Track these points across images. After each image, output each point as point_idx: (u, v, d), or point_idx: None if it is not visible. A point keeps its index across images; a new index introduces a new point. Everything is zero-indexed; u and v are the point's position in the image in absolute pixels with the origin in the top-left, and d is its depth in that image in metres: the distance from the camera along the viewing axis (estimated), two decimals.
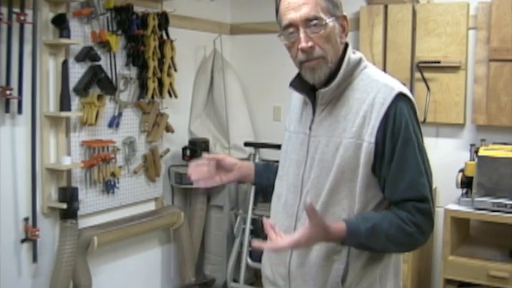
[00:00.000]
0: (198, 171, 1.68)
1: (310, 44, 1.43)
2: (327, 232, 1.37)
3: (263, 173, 1.76)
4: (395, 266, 1.57)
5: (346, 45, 1.52)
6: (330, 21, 1.44)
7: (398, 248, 1.46)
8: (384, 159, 1.42)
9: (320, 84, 1.50)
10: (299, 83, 1.56)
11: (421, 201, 1.42)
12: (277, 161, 1.70)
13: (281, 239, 1.36)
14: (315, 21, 1.42)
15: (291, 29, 1.45)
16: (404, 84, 1.54)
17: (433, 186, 3.36)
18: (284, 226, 1.55)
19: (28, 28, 2.59)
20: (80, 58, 2.86)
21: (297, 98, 1.64)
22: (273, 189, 1.69)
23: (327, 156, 1.47)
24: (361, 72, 1.51)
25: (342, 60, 1.48)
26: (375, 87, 1.46)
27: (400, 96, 1.43)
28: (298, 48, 1.45)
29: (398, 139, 1.41)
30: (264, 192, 1.75)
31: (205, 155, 1.71)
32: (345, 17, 1.50)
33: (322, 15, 1.43)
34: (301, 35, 1.43)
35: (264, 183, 1.75)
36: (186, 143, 3.61)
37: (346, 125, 1.46)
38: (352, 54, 1.51)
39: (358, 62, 1.51)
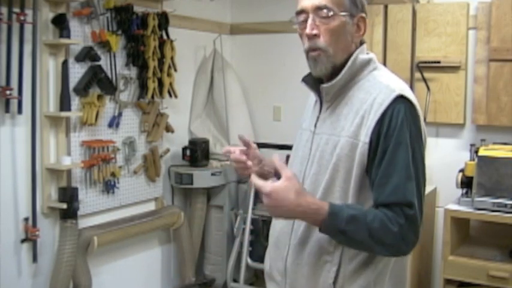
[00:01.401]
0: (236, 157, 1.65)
1: (315, 31, 1.44)
2: (301, 194, 1.34)
3: None
4: (396, 277, 1.52)
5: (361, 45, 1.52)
6: (341, 15, 1.44)
7: (379, 247, 1.37)
8: (375, 161, 1.40)
9: (325, 78, 1.50)
10: (311, 79, 1.56)
11: (406, 206, 1.37)
12: None
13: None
14: (325, 11, 1.43)
15: (302, 16, 1.48)
16: None
17: (432, 187, 3.34)
18: (284, 222, 1.55)
19: (28, 28, 2.59)
20: (80, 58, 2.86)
21: (312, 96, 1.65)
22: None
23: (325, 154, 1.47)
24: (369, 73, 1.50)
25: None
26: (377, 88, 1.45)
27: (400, 98, 1.41)
28: (305, 35, 1.47)
29: (390, 141, 1.38)
30: None
31: (241, 136, 1.69)
32: (363, 18, 1.49)
33: (333, 6, 1.43)
34: (309, 21, 1.45)
35: None
36: (186, 143, 3.61)
37: (345, 124, 1.45)
38: (362, 55, 1.50)
39: (367, 62, 1.50)
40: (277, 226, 1.60)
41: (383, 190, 1.38)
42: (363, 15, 1.50)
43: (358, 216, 1.35)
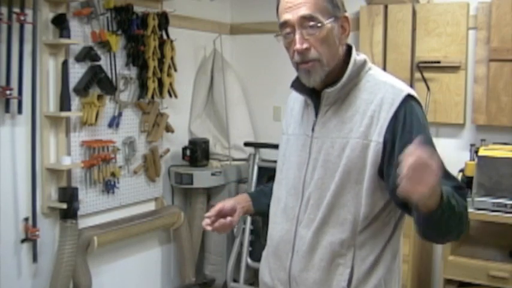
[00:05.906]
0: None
1: (305, 45, 1.40)
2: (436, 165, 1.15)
3: (259, 199, 1.72)
4: (398, 272, 1.53)
5: (349, 46, 1.50)
6: (327, 23, 1.41)
7: (460, 224, 1.33)
8: (393, 159, 1.37)
9: (318, 86, 1.48)
10: (300, 84, 1.53)
11: (460, 188, 1.37)
12: (275, 161, 1.69)
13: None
14: (311, 22, 1.39)
15: (287, 29, 1.43)
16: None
17: None
18: (284, 230, 1.53)
19: (28, 28, 2.59)
20: (80, 58, 2.86)
21: (295, 100, 1.63)
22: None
23: (331, 157, 1.45)
24: (366, 73, 1.49)
25: (343, 62, 1.47)
26: (382, 88, 1.44)
27: (409, 97, 1.42)
28: (293, 49, 1.43)
29: (411, 136, 1.35)
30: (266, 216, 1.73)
31: (206, 215, 1.61)
32: (346, 18, 1.47)
33: (319, 16, 1.40)
34: (297, 36, 1.40)
35: (263, 208, 1.70)
36: (186, 143, 3.61)
37: (353, 126, 1.44)
38: (357, 56, 1.49)
39: (363, 63, 1.49)
40: (276, 234, 1.56)
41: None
42: (346, 14, 1.47)
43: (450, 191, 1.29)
